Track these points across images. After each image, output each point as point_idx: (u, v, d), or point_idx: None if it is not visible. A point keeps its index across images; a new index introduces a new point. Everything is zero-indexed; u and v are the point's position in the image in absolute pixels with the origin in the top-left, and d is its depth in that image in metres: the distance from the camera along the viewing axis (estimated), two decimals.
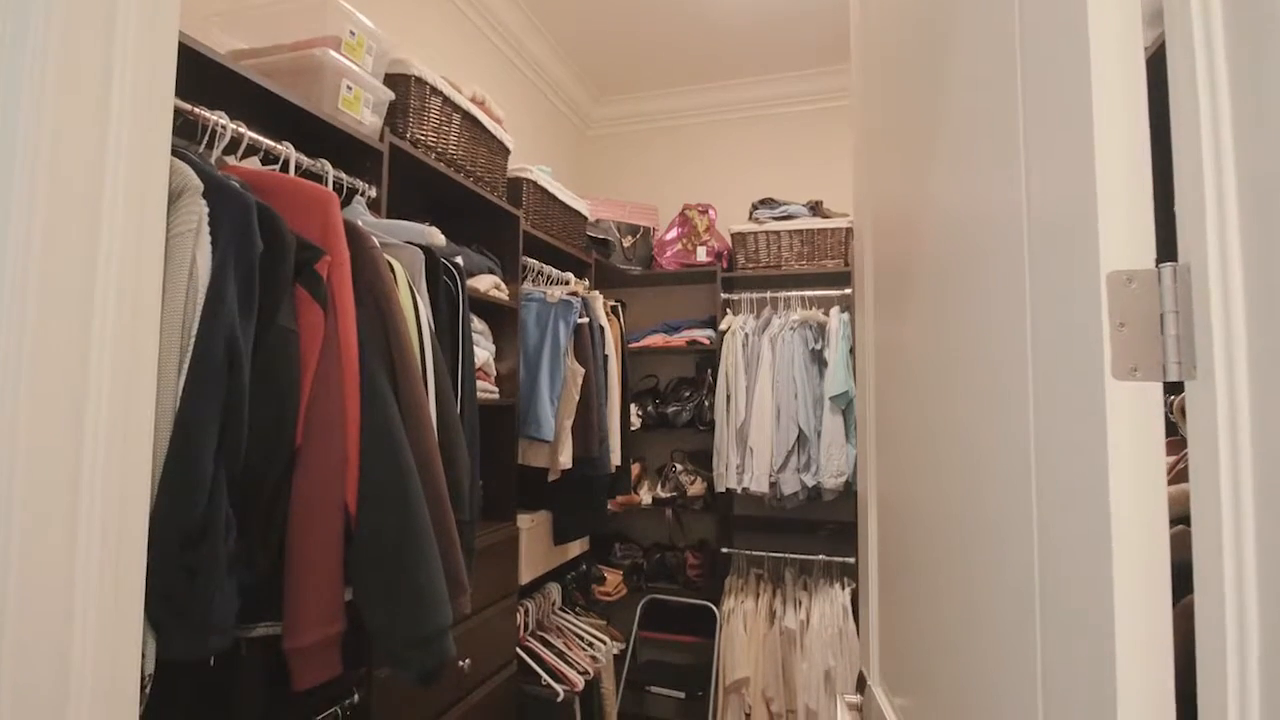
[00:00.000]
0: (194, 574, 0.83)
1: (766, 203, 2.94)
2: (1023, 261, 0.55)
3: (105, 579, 0.67)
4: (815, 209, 2.87)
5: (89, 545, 0.66)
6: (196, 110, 1.07)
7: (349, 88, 1.38)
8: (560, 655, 2.18)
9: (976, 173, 0.68)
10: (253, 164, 1.23)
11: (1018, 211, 0.56)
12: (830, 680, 2.49)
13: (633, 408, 2.82)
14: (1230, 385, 0.39)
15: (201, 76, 1.10)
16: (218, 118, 1.10)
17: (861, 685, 1.19)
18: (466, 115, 1.84)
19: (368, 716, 1.36)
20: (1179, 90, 0.44)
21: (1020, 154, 0.55)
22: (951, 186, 0.77)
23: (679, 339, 3.00)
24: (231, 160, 1.17)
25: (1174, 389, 0.49)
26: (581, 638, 2.36)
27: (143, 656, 0.78)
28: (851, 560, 2.62)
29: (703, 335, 2.96)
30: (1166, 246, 0.46)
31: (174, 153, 0.89)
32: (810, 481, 2.60)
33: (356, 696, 1.34)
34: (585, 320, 2.26)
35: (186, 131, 1.09)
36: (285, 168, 1.25)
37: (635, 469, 2.93)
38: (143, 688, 0.80)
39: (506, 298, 2.02)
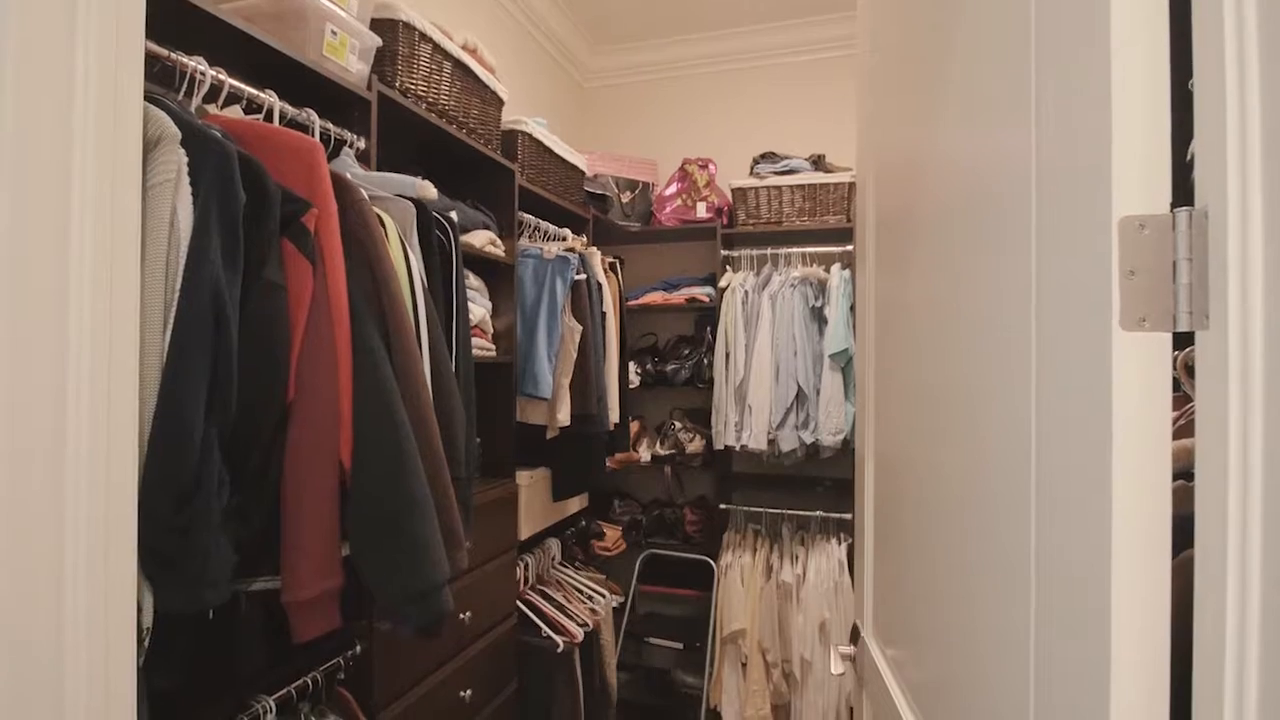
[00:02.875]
0: (187, 530, 0.82)
1: (768, 157, 2.87)
2: (1029, 209, 0.53)
3: (95, 535, 0.67)
4: (818, 163, 2.81)
5: (76, 502, 0.65)
6: (174, 56, 1.03)
7: (334, 33, 1.32)
8: (560, 608, 2.21)
9: (984, 117, 0.65)
10: (234, 113, 1.18)
11: (1026, 156, 0.54)
12: (825, 632, 2.54)
13: (631, 366, 2.81)
14: (1244, 336, 0.37)
15: (179, 20, 1.06)
16: (196, 64, 1.06)
17: (855, 637, 1.21)
18: (458, 64, 1.78)
19: (370, 667, 1.39)
20: (1203, 22, 0.41)
21: (1031, 94, 0.53)
22: (957, 134, 0.74)
23: (678, 296, 2.97)
24: (212, 109, 1.13)
25: (1178, 344, 0.48)
26: (581, 591, 2.40)
27: (140, 610, 0.79)
28: (848, 516, 2.64)
29: (702, 293, 2.93)
30: (1179, 193, 0.44)
31: (150, 100, 0.85)
32: (809, 439, 2.60)
33: (358, 648, 1.36)
34: (583, 277, 2.23)
35: (164, 79, 1.05)
36: (269, 117, 1.21)
37: (634, 427, 2.94)
38: (141, 640, 0.80)
39: (502, 254, 1.99)
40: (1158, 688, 0.42)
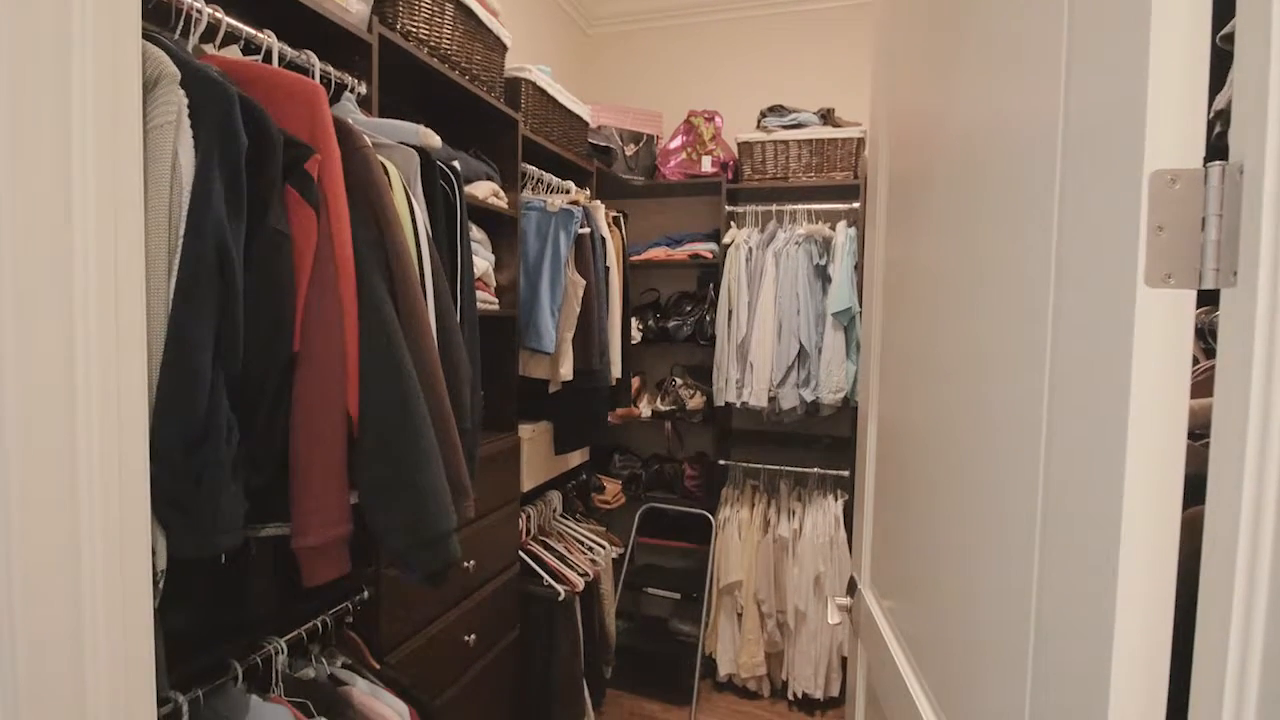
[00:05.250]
0: (198, 476, 0.83)
1: (776, 110, 2.81)
2: (1054, 162, 0.52)
3: (110, 480, 0.67)
4: (826, 117, 2.75)
5: (90, 448, 0.65)
6: None
7: None
8: (561, 558, 2.26)
9: (1008, 67, 0.63)
10: (232, 53, 1.15)
11: (1053, 107, 0.52)
12: (820, 585, 2.60)
13: (633, 321, 2.80)
14: (1273, 294, 0.37)
15: None
16: (192, 0, 1.02)
17: (852, 589, 1.24)
18: (460, 5, 1.72)
19: (377, 612, 1.43)
20: None
21: (1062, 41, 0.51)
22: (978, 84, 0.72)
23: (681, 252, 2.95)
24: (210, 49, 1.09)
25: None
26: (581, 542, 2.44)
27: (154, 554, 0.80)
28: (845, 473, 2.67)
29: (705, 249, 2.90)
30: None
31: (147, 37, 0.83)
32: (809, 397, 2.62)
33: (366, 593, 1.40)
34: (586, 230, 2.20)
35: (159, 16, 1.01)
36: (268, 58, 1.17)
37: (635, 382, 2.95)
38: (156, 583, 0.82)
39: (505, 206, 1.96)
40: (1159, 644, 0.43)
